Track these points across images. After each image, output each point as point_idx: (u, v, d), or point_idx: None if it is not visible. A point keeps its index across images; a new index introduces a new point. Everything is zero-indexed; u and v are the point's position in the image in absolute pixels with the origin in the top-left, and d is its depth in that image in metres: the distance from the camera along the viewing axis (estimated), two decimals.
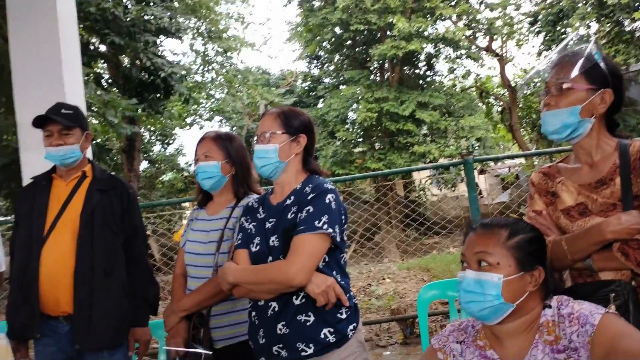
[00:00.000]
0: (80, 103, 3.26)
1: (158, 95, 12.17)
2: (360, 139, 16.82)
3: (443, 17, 15.63)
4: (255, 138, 2.03)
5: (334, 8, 15.79)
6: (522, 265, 1.40)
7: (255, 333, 1.90)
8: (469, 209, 4.28)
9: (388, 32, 15.79)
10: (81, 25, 9.72)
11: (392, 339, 5.07)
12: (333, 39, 17.18)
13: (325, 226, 1.80)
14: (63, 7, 3.37)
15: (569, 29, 13.30)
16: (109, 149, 13.08)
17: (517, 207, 6.68)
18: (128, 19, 11.18)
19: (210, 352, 2.09)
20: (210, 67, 17.00)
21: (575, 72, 1.60)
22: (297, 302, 1.83)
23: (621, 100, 1.65)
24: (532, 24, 15.60)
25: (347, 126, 16.67)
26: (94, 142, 10.60)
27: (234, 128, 20.12)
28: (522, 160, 16.67)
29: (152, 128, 19.65)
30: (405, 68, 16.88)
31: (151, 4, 11.67)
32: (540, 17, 14.88)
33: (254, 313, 1.93)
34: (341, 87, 17.46)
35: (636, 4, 12.04)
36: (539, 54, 15.30)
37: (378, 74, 17.18)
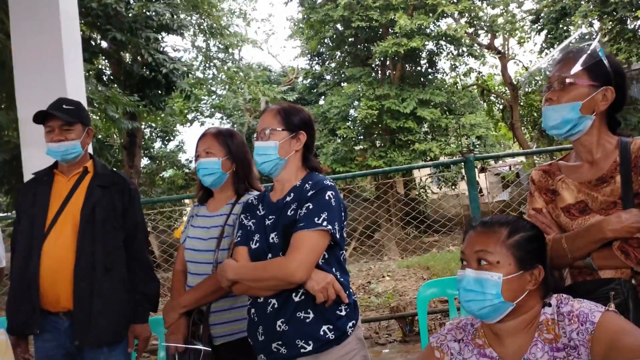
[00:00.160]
0: (81, 99, 3.25)
1: (159, 91, 12.17)
2: (361, 137, 16.82)
3: (445, 14, 15.60)
4: (255, 135, 2.03)
5: (336, 5, 15.78)
6: (521, 264, 1.40)
7: (254, 330, 1.90)
8: (469, 207, 4.28)
9: (390, 29, 15.76)
10: (82, 21, 9.71)
11: (392, 336, 5.08)
12: (334, 36, 17.17)
13: (325, 223, 1.80)
14: (65, 3, 3.37)
15: (571, 27, 13.29)
16: (110, 145, 13.08)
17: (517, 206, 6.68)
18: (130, 15, 11.17)
19: (210, 349, 2.10)
20: (211, 64, 16.99)
21: (578, 67, 1.59)
22: (296, 299, 1.83)
23: (623, 99, 1.65)
24: (534, 21, 15.58)
25: (348, 124, 16.67)
26: (95, 138, 10.59)
27: (235, 125, 20.11)
28: (523, 158, 16.69)
29: (153, 124, 19.66)
30: (406, 65, 16.87)
31: (153, 0, 11.66)
32: (542, 15, 14.86)
33: (253, 310, 1.93)
34: (342, 84, 17.45)
35: (639, 2, 12.01)
36: (541, 51, 15.28)
37: (379, 71, 17.17)
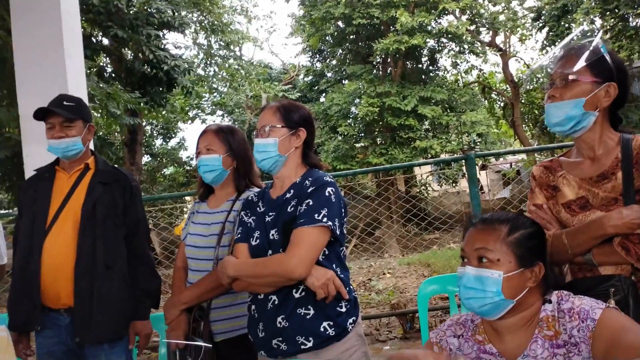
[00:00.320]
0: (82, 96, 3.25)
1: (160, 88, 12.17)
2: (362, 134, 16.82)
3: (446, 12, 15.58)
4: (255, 132, 2.03)
5: (337, 2, 15.77)
6: (522, 261, 1.39)
7: (254, 326, 1.91)
8: (470, 205, 4.28)
9: (391, 27, 15.75)
10: (84, 18, 9.71)
11: (392, 333, 5.08)
12: (336, 33, 17.16)
13: (325, 219, 1.80)
14: (65, 0, 3.37)
15: (573, 25, 13.27)
16: (111, 142, 13.09)
17: (518, 203, 6.68)
18: (131, 12, 11.16)
19: (210, 345, 2.10)
20: (212, 61, 16.99)
21: (580, 64, 1.59)
22: (296, 295, 1.83)
23: (625, 95, 1.65)
24: (535, 19, 15.56)
25: (349, 121, 16.66)
26: (96, 135, 10.60)
27: (236, 122, 20.13)
28: (524, 156, 16.68)
29: (154, 122, 19.67)
30: (407, 63, 16.86)
31: None
32: (544, 12, 14.83)
33: (253, 306, 1.93)
34: (343, 81, 17.45)
35: None
36: (542, 49, 15.26)
37: (380, 69, 17.16)
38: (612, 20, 13.28)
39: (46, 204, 2.35)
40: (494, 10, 16.86)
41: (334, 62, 18.70)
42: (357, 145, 16.86)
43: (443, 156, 15.17)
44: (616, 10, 12.72)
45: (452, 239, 11.55)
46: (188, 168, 20.17)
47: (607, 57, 1.61)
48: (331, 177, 1.93)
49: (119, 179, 2.43)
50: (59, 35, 3.30)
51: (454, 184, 17.35)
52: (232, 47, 17.03)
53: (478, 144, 16.94)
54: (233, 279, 1.89)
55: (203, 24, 14.97)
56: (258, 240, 1.92)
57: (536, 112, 17.95)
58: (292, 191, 1.93)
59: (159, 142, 21.58)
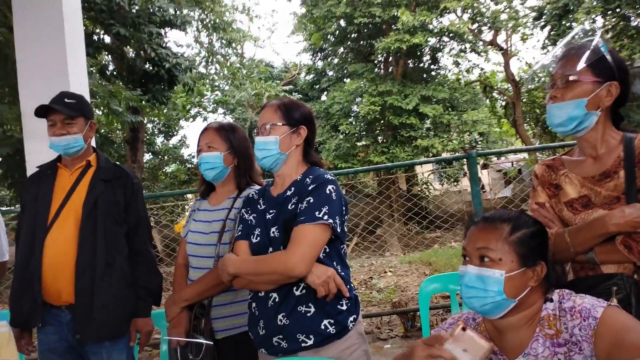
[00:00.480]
0: (84, 93, 3.26)
1: (162, 86, 12.18)
2: (364, 133, 16.81)
3: (448, 10, 15.57)
4: (256, 130, 2.03)
5: (339, 1, 15.75)
6: (524, 260, 1.39)
7: (255, 324, 1.91)
8: (471, 204, 4.28)
9: (392, 26, 15.74)
10: (86, 16, 9.72)
11: (393, 332, 5.09)
12: (337, 32, 17.14)
13: (326, 217, 1.80)
14: None
15: (574, 24, 13.24)
16: (113, 140, 13.10)
17: (519, 202, 6.68)
18: (133, 11, 11.17)
19: (211, 343, 2.10)
20: (214, 59, 16.99)
21: (581, 64, 1.59)
22: (297, 293, 1.83)
23: (627, 94, 1.64)
24: (537, 18, 15.53)
25: (350, 120, 16.65)
26: (98, 133, 10.62)
27: (238, 120, 20.13)
28: (525, 155, 16.66)
29: (156, 120, 19.67)
30: (409, 62, 16.84)
31: None
32: (545, 11, 14.81)
33: (254, 304, 1.93)
34: (345, 80, 17.44)
35: None
36: (543, 47, 15.24)
37: (382, 68, 17.14)
38: (614, 19, 13.26)
39: (48, 201, 2.35)
40: (496, 9, 16.82)
41: (336, 60, 18.69)
42: (359, 143, 16.86)
43: (444, 155, 15.15)
44: (617, 10, 12.70)
45: (454, 237, 11.55)
46: (189, 166, 20.18)
47: (608, 56, 1.61)
48: (332, 174, 1.93)
49: (120, 176, 2.43)
50: (61, 32, 3.30)
51: (455, 183, 17.35)
52: (233, 45, 17.02)
53: (479, 142, 16.93)
54: (233, 276, 1.89)
55: (205, 22, 14.97)
56: (259, 238, 1.92)
57: (537, 111, 17.92)
58: (292, 189, 1.92)
59: (160, 139, 21.60)
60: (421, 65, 17.46)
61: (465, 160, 4.35)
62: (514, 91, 17.76)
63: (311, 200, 1.83)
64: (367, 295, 6.83)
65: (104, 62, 12.97)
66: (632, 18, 13.06)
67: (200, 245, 2.25)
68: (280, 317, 1.83)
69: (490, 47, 17.39)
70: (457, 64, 17.35)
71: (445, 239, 11.60)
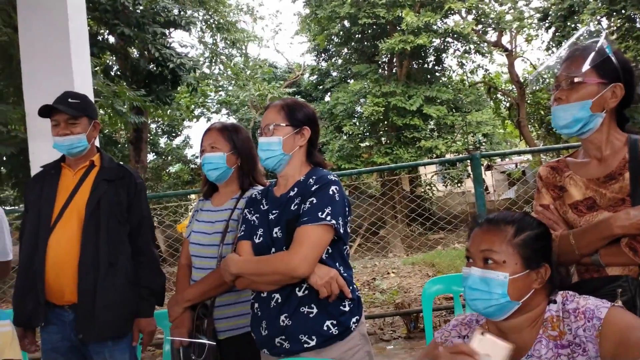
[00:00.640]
0: (88, 93, 3.26)
1: (166, 85, 12.20)
2: (367, 134, 16.79)
3: (452, 11, 15.54)
4: (259, 131, 2.03)
5: (343, 1, 15.74)
6: (528, 263, 1.39)
7: (257, 324, 1.90)
8: (474, 205, 4.27)
9: (396, 26, 15.72)
10: (90, 16, 9.74)
11: (396, 333, 5.08)
12: (341, 33, 17.13)
13: (329, 217, 1.79)
14: None
15: (579, 25, 13.21)
16: (116, 140, 13.13)
17: (523, 204, 6.65)
18: (138, 10, 11.20)
19: (214, 343, 2.10)
20: (218, 60, 17.01)
21: (586, 66, 1.58)
22: (300, 293, 1.83)
23: (632, 95, 1.64)
24: (542, 19, 15.50)
25: (353, 120, 16.64)
26: (102, 133, 10.66)
27: (241, 121, 20.15)
28: (529, 156, 16.63)
29: (160, 120, 19.71)
30: (413, 62, 16.82)
31: None
32: (550, 13, 14.78)
33: (256, 304, 1.93)
34: (349, 81, 17.42)
35: None
36: (548, 48, 15.21)
37: (386, 68, 17.13)
38: (619, 20, 13.22)
39: (51, 200, 2.36)
40: (500, 10, 16.80)
41: (340, 61, 18.67)
42: (362, 144, 16.84)
43: (448, 156, 15.13)
44: (623, 11, 12.66)
45: (457, 239, 11.52)
46: (193, 166, 20.21)
47: (613, 58, 1.60)
48: (335, 175, 1.92)
49: (123, 176, 2.43)
50: (66, 33, 3.31)
51: (459, 184, 17.32)
52: (237, 45, 17.04)
53: (483, 144, 16.90)
54: (236, 276, 1.89)
55: (209, 23, 14.99)
56: (261, 238, 1.92)
57: (542, 112, 17.90)
58: (295, 189, 1.92)
59: (164, 140, 21.63)
60: (425, 66, 17.44)
61: (469, 161, 4.35)
62: (519, 92, 17.73)
63: (314, 201, 1.82)
64: (370, 296, 6.82)
65: (108, 62, 13.01)
66: (637, 19, 13.01)
67: (203, 245, 2.24)
68: (282, 317, 1.83)
69: (494, 48, 17.36)
70: (461, 65, 17.32)
71: (448, 240, 11.58)
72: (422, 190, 16.87)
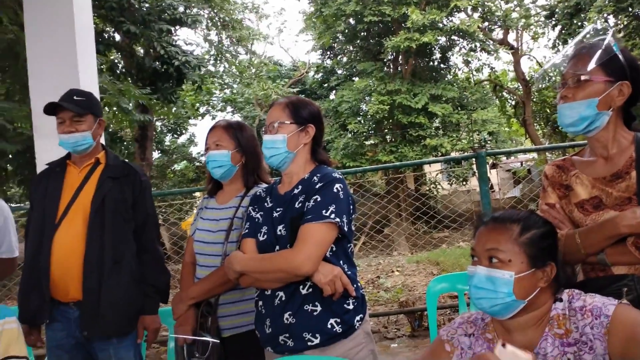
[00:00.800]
0: (94, 91, 3.27)
1: (171, 83, 12.23)
2: (372, 132, 16.79)
3: (458, 9, 15.50)
4: (264, 128, 2.02)
5: None
6: (533, 261, 1.38)
7: (261, 322, 1.90)
8: (480, 203, 4.26)
9: (402, 24, 15.69)
10: (96, 14, 9.77)
11: (400, 331, 5.07)
12: (347, 30, 17.12)
13: (333, 215, 1.79)
14: None
15: (585, 23, 13.15)
16: (121, 137, 13.17)
17: (528, 202, 6.64)
18: (143, 8, 11.22)
19: (218, 341, 2.10)
20: (223, 58, 17.03)
21: (593, 64, 1.57)
22: (304, 291, 1.83)
23: (639, 93, 1.63)
24: (548, 17, 15.43)
25: (359, 118, 16.64)
26: (107, 131, 10.68)
27: (246, 119, 20.17)
28: (535, 155, 16.58)
29: (165, 118, 19.77)
30: (418, 60, 16.79)
31: None
32: (557, 10, 14.72)
33: (260, 302, 1.92)
34: (354, 78, 17.41)
35: None
36: (554, 46, 15.15)
37: (391, 66, 17.11)
38: (626, 18, 13.15)
39: (57, 198, 2.36)
40: (507, 8, 16.74)
41: (345, 59, 18.66)
42: (367, 142, 16.85)
43: (453, 154, 15.10)
44: (630, 9, 12.60)
45: (462, 237, 11.51)
46: (198, 164, 20.25)
47: (620, 56, 1.59)
48: (339, 173, 1.92)
49: (128, 173, 2.43)
50: (72, 30, 3.31)
51: (464, 183, 17.28)
52: (242, 43, 17.06)
53: (489, 142, 16.87)
54: (240, 274, 1.89)
55: (214, 20, 15.01)
56: (265, 236, 1.92)
57: (548, 110, 17.84)
58: (300, 187, 1.92)
59: (169, 138, 21.69)
60: (431, 64, 17.41)
61: (474, 159, 4.33)
62: (524, 90, 17.68)
63: (318, 199, 1.82)
64: (374, 295, 6.82)
65: (113, 60, 13.05)
66: None
67: (207, 243, 2.25)
68: (286, 315, 1.83)
69: (500, 46, 17.31)
70: (467, 62, 17.30)
71: (453, 238, 11.56)
72: (427, 188, 16.85)
